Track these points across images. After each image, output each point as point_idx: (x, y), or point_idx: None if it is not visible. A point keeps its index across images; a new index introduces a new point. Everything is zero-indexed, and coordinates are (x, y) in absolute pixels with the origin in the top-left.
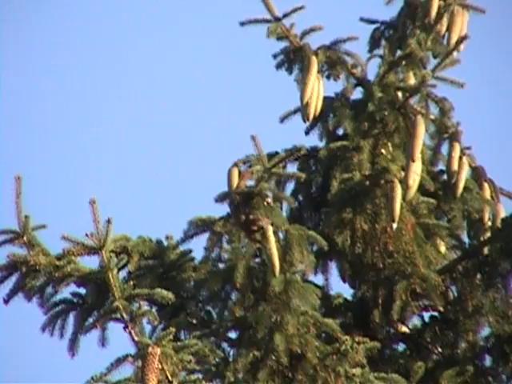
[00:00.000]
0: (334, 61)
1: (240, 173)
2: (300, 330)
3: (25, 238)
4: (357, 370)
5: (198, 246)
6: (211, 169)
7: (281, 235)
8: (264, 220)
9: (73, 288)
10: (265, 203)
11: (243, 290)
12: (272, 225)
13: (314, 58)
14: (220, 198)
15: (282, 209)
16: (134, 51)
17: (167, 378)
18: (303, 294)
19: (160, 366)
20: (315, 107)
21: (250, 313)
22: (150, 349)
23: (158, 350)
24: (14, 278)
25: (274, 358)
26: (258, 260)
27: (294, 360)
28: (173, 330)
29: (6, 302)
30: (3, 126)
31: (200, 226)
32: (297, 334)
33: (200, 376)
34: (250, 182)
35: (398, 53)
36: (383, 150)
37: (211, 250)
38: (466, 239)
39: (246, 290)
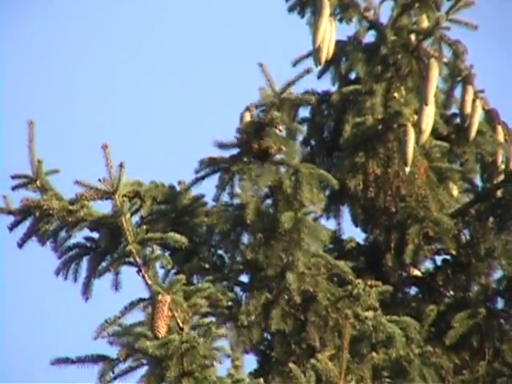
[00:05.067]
0: (346, 4)
1: (252, 117)
2: (312, 271)
3: (38, 183)
4: (369, 313)
5: (209, 191)
6: (223, 114)
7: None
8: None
9: (86, 232)
10: (277, 131)
11: (254, 228)
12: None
13: (326, 1)
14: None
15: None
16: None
17: (178, 324)
18: (313, 232)
19: (170, 314)
20: (327, 51)
21: (260, 254)
22: (160, 296)
23: (168, 298)
24: (27, 223)
25: (286, 297)
26: (268, 201)
27: (305, 302)
28: (183, 276)
29: (20, 245)
30: (15, 72)
31: (211, 164)
32: (309, 274)
33: (213, 319)
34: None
35: None
36: (396, 94)
37: (223, 188)
38: (478, 182)
39: (257, 228)
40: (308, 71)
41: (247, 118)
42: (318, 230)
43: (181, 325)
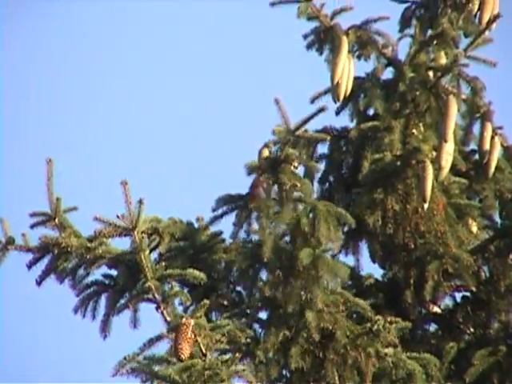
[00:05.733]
0: (364, 41)
1: (270, 153)
2: (330, 308)
3: (56, 220)
4: (389, 350)
5: (227, 227)
6: (242, 149)
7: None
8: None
9: (104, 270)
10: (292, 167)
11: (272, 265)
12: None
13: (344, 38)
14: (249, 169)
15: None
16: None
17: (201, 350)
18: (332, 269)
19: (194, 337)
20: (346, 87)
21: (278, 291)
22: (184, 319)
23: (192, 321)
24: (46, 260)
25: (304, 335)
26: (285, 239)
27: (324, 339)
28: (207, 302)
29: (39, 283)
30: (33, 109)
31: (228, 202)
32: (327, 311)
33: (230, 355)
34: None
35: (429, 32)
36: (414, 130)
37: (240, 226)
38: (498, 219)
39: (275, 265)
40: (322, 109)
41: (265, 154)
42: (337, 266)
43: (204, 351)
